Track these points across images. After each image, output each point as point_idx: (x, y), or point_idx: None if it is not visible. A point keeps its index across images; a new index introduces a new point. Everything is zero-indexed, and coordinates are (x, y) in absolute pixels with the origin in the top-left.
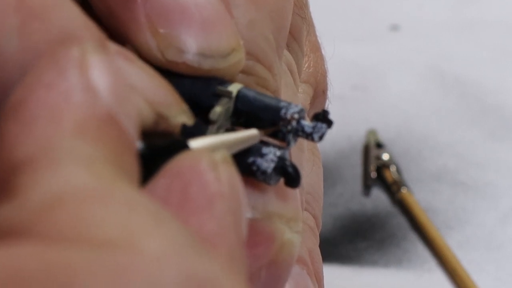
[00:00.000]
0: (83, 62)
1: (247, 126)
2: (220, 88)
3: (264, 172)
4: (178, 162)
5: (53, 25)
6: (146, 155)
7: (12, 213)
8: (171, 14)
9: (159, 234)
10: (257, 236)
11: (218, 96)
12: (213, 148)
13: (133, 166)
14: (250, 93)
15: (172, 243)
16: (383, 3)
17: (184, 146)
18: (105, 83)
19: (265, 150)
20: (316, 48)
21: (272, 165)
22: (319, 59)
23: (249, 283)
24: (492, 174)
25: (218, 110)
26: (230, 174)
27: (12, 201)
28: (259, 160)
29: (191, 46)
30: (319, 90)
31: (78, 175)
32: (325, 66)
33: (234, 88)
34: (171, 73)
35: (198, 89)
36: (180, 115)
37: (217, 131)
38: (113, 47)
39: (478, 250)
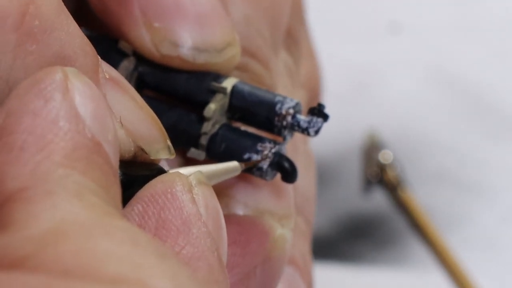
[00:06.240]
0: (66, 86)
1: (243, 121)
2: (215, 84)
3: (259, 169)
4: (153, 186)
5: (49, 49)
6: (122, 182)
7: (10, 244)
8: (166, 8)
9: (165, 272)
10: (249, 234)
11: (213, 92)
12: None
13: (118, 195)
14: (245, 88)
15: (177, 281)
16: (383, 3)
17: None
18: (88, 109)
19: (260, 146)
20: (311, 53)
21: (267, 161)
22: (314, 65)
23: (245, 283)
24: (492, 174)
25: (212, 107)
26: (206, 195)
27: (8, 232)
28: (255, 157)
29: (186, 40)
30: (314, 96)
31: (73, 207)
32: (320, 71)
33: (229, 83)
34: (165, 69)
35: (193, 85)
36: (161, 151)
37: (212, 127)
38: (108, 72)
39: (478, 250)
